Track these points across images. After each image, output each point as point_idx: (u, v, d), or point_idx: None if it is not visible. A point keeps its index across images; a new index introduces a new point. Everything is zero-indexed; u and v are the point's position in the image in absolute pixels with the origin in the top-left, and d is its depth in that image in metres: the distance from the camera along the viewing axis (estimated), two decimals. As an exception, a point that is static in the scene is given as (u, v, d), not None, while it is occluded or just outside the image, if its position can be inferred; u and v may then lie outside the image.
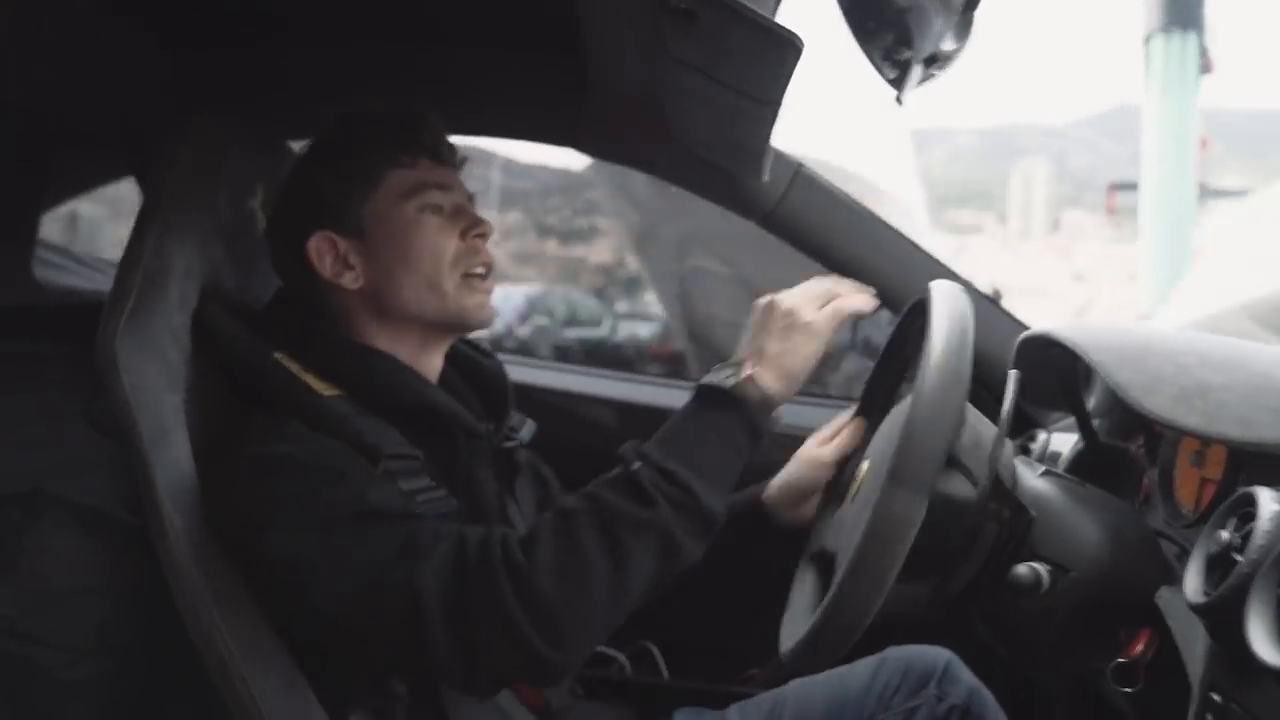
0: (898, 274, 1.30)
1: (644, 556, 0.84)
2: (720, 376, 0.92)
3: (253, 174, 1.12)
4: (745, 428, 0.91)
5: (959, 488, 0.85)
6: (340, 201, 1.04)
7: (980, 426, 0.88)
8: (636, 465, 0.87)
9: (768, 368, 0.92)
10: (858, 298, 0.96)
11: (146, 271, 0.97)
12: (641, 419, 1.66)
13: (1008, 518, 0.88)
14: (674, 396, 1.76)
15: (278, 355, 1.00)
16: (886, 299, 1.33)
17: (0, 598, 0.93)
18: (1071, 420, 1.17)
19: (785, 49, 0.77)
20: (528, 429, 1.18)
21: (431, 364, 1.08)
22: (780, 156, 1.25)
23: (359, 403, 0.99)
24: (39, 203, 1.51)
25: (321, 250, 1.03)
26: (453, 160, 1.08)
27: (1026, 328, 1.20)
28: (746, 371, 0.92)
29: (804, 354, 0.93)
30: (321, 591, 0.86)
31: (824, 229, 1.30)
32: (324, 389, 0.98)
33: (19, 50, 1.10)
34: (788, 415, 1.65)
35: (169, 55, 1.18)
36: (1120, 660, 0.83)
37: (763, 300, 0.96)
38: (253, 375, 0.99)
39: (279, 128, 1.18)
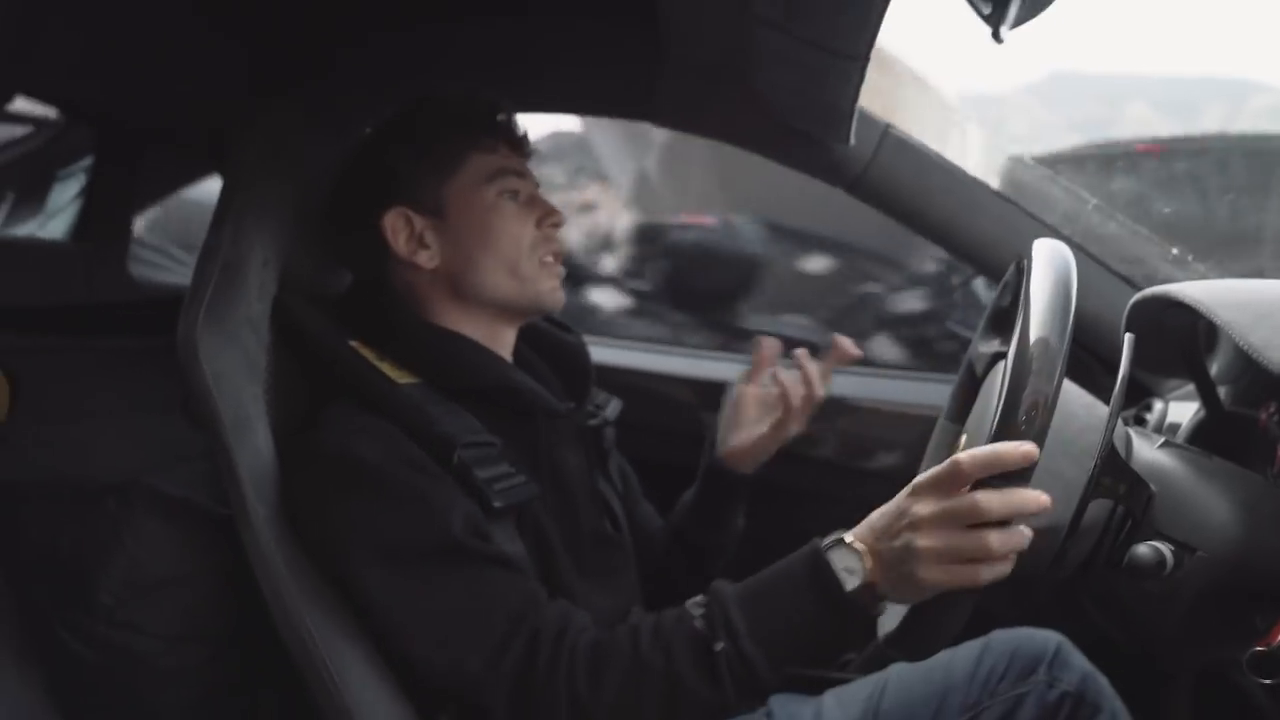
0: (996, 236, 1.24)
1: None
2: (841, 564, 0.83)
3: (325, 161, 1.13)
4: (847, 633, 0.85)
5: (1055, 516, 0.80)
6: (420, 180, 1.04)
7: (1086, 397, 0.83)
8: (719, 646, 0.85)
9: (888, 582, 0.81)
10: (999, 569, 0.77)
11: (224, 262, 0.98)
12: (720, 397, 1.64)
13: (1124, 493, 0.82)
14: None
15: (354, 343, 1.01)
16: (986, 263, 1.27)
17: (100, 587, 0.96)
18: (1189, 388, 1.09)
19: None
20: (614, 407, 1.17)
21: (503, 345, 1.08)
22: (866, 118, 1.20)
23: (435, 389, 0.99)
24: (131, 205, 1.56)
25: (397, 226, 1.03)
26: (527, 149, 1.10)
27: (1139, 289, 1.13)
28: (874, 579, 0.82)
29: (926, 586, 0.78)
30: (396, 637, 0.91)
31: (916, 192, 1.24)
32: (399, 377, 0.99)
33: (108, 60, 1.13)
34: (875, 390, 1.61)
35: (245, 49, 1.19)
36: (1258, 649, 0.76)
37: (907, 495, 0.81)
38: (329, 364, 1.01)
39: (349, 113, 1.19)
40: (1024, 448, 0.74)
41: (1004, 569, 0.76)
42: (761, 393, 1.16)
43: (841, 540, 0.84)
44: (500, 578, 0.91)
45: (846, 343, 1.12)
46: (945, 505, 0.77)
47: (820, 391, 1.12)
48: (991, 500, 0.75)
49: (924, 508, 0.78)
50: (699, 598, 0.90)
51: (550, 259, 1.07)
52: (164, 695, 0.99)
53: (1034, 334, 0.75)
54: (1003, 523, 0.75)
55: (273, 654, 0.93)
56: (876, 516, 0.83)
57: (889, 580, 0.81)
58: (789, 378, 1.13)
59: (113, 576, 0.96)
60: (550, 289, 1.07)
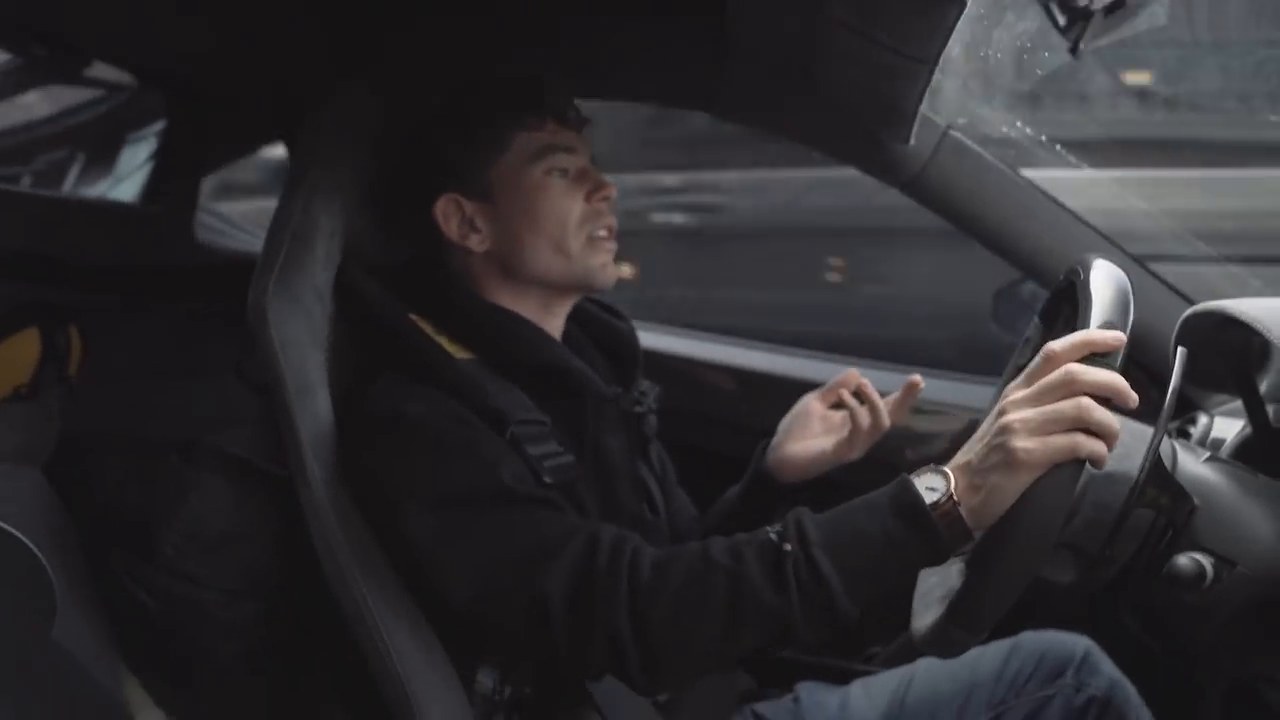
0: (1051, 243, 1.24)
1: (755, 632, 0.82)
2: (924, 484, 0.79)
3: (392, 139, 1.15)
4: (924, 551, 0.79)
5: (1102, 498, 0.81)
6: (467, 165, 1.05)
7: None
8: (788, 546, 0.81)
9: (973, 495, 0.77)
10: (1098, 445, 0.74)
11: (295, 232, 1.00)
12: (763, 386, 1.65)
13: (1166, 504, 0.83)
14: (797, 365, 1.73)
15: (413, 316, 1.03)
16: (1038, 270, 1.28)
17: (163, 539, 0.99)
18: (1236, 403, 1.09)
19: (948, 3, 0.73)
20: (656, 394, 1.18)
21: (555, 325, 1.09)
22: (926, 120, 1.20)
23: (489, 365, 1.01)
24: (199, 170, 1.60)
25: (448, 213, 1.05)
26: (577, 122, 1.08)
27: (1192, 302, 1.13)
28: (953, 492, 0.78)
29: (1012, 490, 0.75)
30: (450, 582, 0.90)
31: (972, 195, 1.24)
32: (456, 351, 1.00)
33: (183, 27, 1.16)
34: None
35: (316, 24, 1.22)
36: (1294, 665, 0.77)
37: (1006, 403, 0.77)
38: (389, 336, 1.02)
39: (419, 92, 1.21)
40: (1114, 332, 0.75)
41: (1101, 447, 0.73)
42: (829, 411, 1.13)
43: (929, 466, 0.81)
44: (552, 515, 0.91)
45: (918, 380, 1.09)
46: (1038, 384, 0.75)
47: (886, 424, 1.09)
48: (1086, 370, 0.74)
49: (1015, 396, 0.76)
50: (776, 525, 0.85)
51: (602, 233, 1.06)
52: (220, 646, 1.02)
53: (1097, 317, 0.77)
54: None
55: (324, 612, 0.97)
56: (968, 441, 0.81)
57: (977, 493, 0.76)
58: (859, 406, 1.10)
59: (175, 530, 1.00)
60: (600, 265, 1.06)
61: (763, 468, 1.14)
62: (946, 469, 0.79)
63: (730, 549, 0.83)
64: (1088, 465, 0.74)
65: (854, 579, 0.80)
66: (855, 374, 1.12)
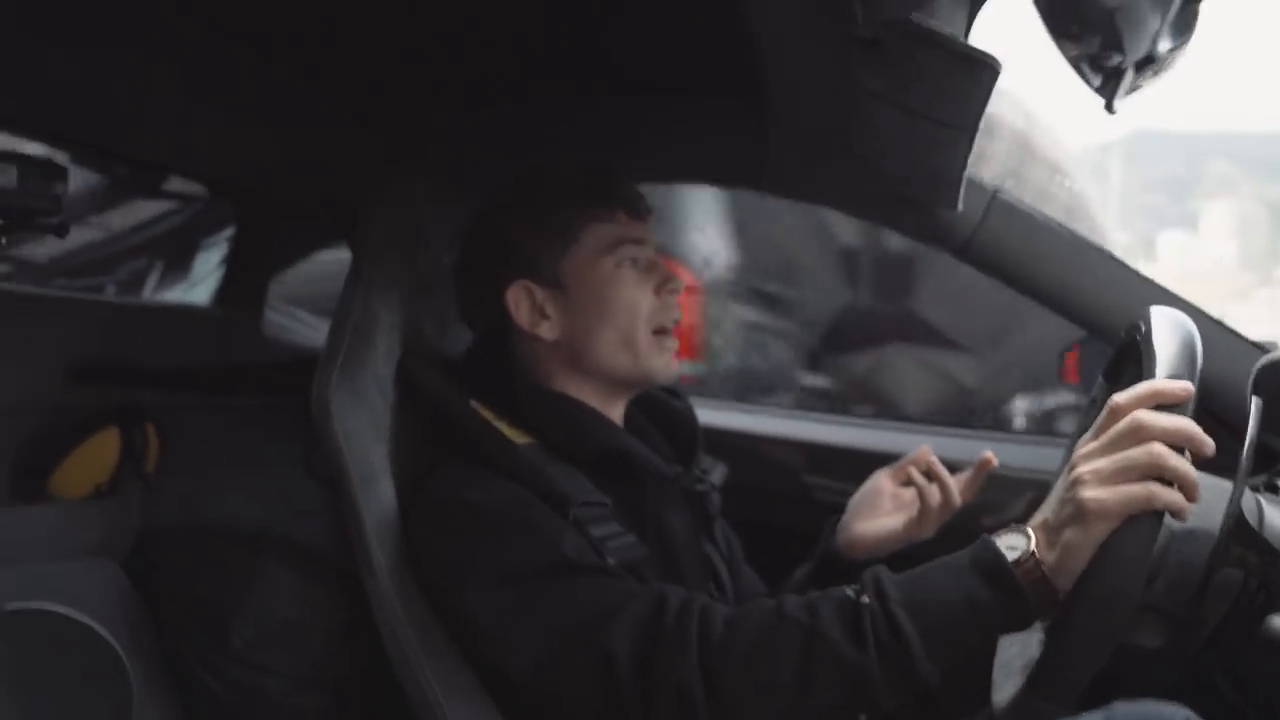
0: (1110, 300, 1.21)
1: (832, 690, 0.79)
2: (1005, 543, 0.78)
3: (446, 229, 1.19)
4: (1008, 612, 0.77)
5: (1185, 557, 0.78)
6: (539, 253, 1.07)
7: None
8: (865, 600, 0.79)
9: (1053, 554, 0.75)
10: (1175, 495, 0.72)
11: (356, 327, 1.04)
12: (829, 459, 1.62)
13: (1255, 563, 0.79)
14: (863, 436, 1.71)
15: (473, 403, 1.04)
16: (1100, 327, 1.25)
17: (233, 629, 1.01)
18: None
19: (980, 71, 0.74)
20: (719, 472, 1.18)
21: (617, 410, 1.10)
22: (974, 183, 1.20)
23: (549, 450, 1.02)
24: (267, 272, 1.67)
25: (519, 300, 1.07)
26: (646, 213, 1.10)
27: (1265, 351, 1.09)
28: (1034, 549, 0.76)
29: (1088, 544, 0.73)
30: (514, 653, 0.89)
31: (1025, 256, 1.23)
32: (516, 436, 1.02)
33: (247, 139, 1.23)
34: (975, 452, 1.58)
35: (368, 126, 1.28)
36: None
37: (1077, 457, 0.76)
38: (450, 423, 1.04)
39: (469, 182, 1.25)
40: (1182, 382, 0.73)
41: (1178, 496, 0.71)
42: (900, 489, 1.13)
43: (1010, 525, 0.80)
44: (617, 582, 0.89)
45: (991, 457, 1.09)
46: (1107, 434, 0.74)
47: (958, 503, 1.08)
48: (1156, 416, 0.72)
49: (1085, 449, 0.75)
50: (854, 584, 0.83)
51: (669, 326, 1.07)
52: None
53: (1162, 371, 0.75)
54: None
55: (391, 702, 0.97)
56: (1045, 501, 0.80)
57: (1054, 550, 0.75)
58: (929, 484, 1.09)
59: (245, 620, 1.02)
60: (663, 364, 1.07)
61: (832, 547, 1.13)
62: (1027, 528, 0.78)
63: (806, 604, 0.81)
64: (1168, 520, 0.72)
65: (935, 639, 0.77)
66: (927, 451, 1.11)
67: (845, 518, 1.13)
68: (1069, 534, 0.74)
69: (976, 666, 0.85)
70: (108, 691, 0.97)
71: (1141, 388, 0.75)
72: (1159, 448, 0.71)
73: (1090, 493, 0.72)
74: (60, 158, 1.06)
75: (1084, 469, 0.74)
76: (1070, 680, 0.72)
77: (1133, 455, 0.72)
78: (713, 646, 0.81)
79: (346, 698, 1.05)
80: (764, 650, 0.80)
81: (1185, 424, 0.72)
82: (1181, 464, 0.71)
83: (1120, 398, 0.75)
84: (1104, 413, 0.76)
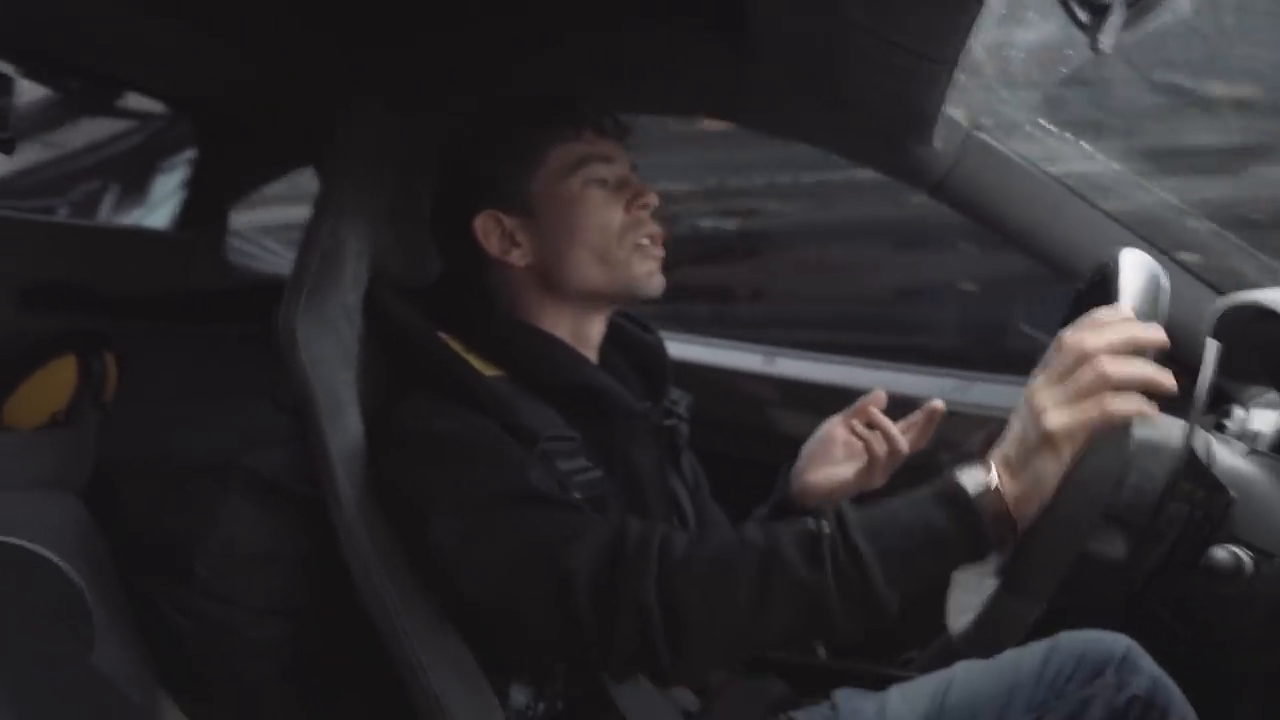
0: (1081, 242, 1.22)
1: (787, 612, 0.79)
2: (966, 476, 0.79)
3: (418, 157, 1.16)
4: (967, 542, 0.78)
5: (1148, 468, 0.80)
6: (505, 179, 1.05)
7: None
8: (825, 526, 0.80)
9: (1014, 485, 0.77)
10: (1132, 402, 0.73)
11: (323, 253, 1.02)
12: (799, 393, 1.64)
13: (1202, 498, 0.82)
14: (833, 371, 1.72)
15: (442, 335, 1.04)
16: (1070, 270, 1.27)
17: (196, 560, 1.01)
18: (1272, 395, 1.08)
19: (966, 2, 0.73)
20: (687, 404, 1.18)
21: (592, 339, 1.10)
22: (950, 122, 1.20)
23: (519, 382, 1.01)
24: (229, 196, 1.63)
25: (488, 229, 1.06)
26: (614, 131, 1.09)
27: (1224, 294, 1.12)
28: (994, 482, 0.77)
29: (1046, 474, 0.75)
30: (475, 577, 0.90)
31: (998, 196, 1.23)
32: (485, 369, 1.01)
33: (211, 56, 1.19)
34: (948, 391, 1.60)
35: (341, 50, 1.24)
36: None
37: (1032, 391, 0.78)
38: (418, 354, 1.03)
39: (443, 109, 1.22)
40: (1123, 310, 0.76)
41: (1135, 401, 0.73)
42: (851, 437, 1.12)
43: (973, 461, 0.80)
44: (581, 514, 0.90)
45: (939, 405, 1.09)
46: (1056, 365, 0.76)
47: (904, 449, 1.09)
48: (1095, 337, 0.74)
49: (1038, 383, 0.77)
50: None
51: (645, 241, 1.06)
52: (253, 666, 1.03)
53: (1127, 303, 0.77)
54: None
55: (356, 631, 0.97)
56: (1001, 438, 0.80)
57: (1019, 482, 0.76)
58: (873, 435, 1.10)
59: (208, 551, 1.01)
60: (646, 273, 1.06)
61: (787, 493, 1.14)
62: (988, 461, 0.79)
63: (765, 529, 0.82)
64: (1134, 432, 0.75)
65: (894, 565, 0.78)
66: (876, 399, 1.11)
67: (799, 464, 1.14)
68: (1036, 463, 0.75)
69: (932, 597, 0.88)
70: (67, 625, 0.96)
71: (1084, 319, 0.76)
72: (1104, 362, 0.73)
73: (1052, 420, 0.74)
74: (4, 68, 1.01)
75: (1041, 399, 0.75)
76: (1044, 577, 0.74)
77: (1082, 375, 0.74)
78: (672, 567, 0.81)
79: (312, 629, 1.05)
80: (722, 571, 0.81)
81: (1127, 331, 0.74)
82: (1129, 369, 0.73)
83: (1065, 332, 0.76)
84: (1051, 348, 0.77)
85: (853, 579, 0.77)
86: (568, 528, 0.86)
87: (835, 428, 1.13)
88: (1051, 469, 0.75)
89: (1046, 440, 0.74)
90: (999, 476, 0.77)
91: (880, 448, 1.08)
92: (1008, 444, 0.78)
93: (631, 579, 0.81)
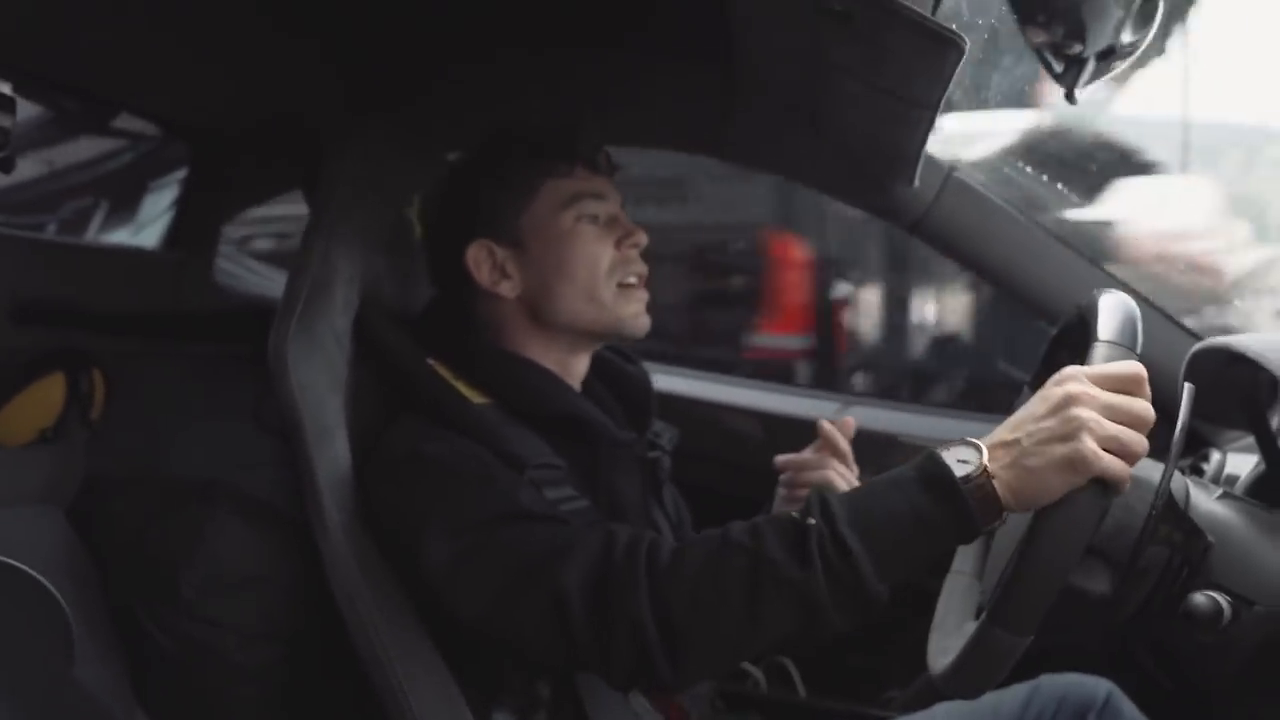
0: (1057, 284, 1.24)
1: (781, 612, 0.78)
2: (955, 456, 0.77)
3: (410, 183, 1.17)
4: (955, 526, 0.76)
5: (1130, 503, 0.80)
6: (498, 211, 1.06)
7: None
8: (811, 521, 0.78)
9: (1010, 473, 0.75)
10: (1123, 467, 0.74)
11: (314, 278, 1.02)
12: (788, 431, 1.64)
13: (1180, 542, 0.82)
14: (819, 407, 1.73)
15: (431, 361, 1.04)
16: (1045, 309, 1.28)
17: (182, 580, 0.99)
18: (1249, 439, 1.09)
19: (947, 49, 0.75)
20: (671, 436, 1.18)
21: (577, 371, 1.10)
22: (931, 161, 1.22)
23: (506, 410, 1.02)
24: (219, 217, 1.63)
25: (479, 259, 1.06)
26: (607, 168, 1.10)
27: (1199, 339, 1.13)
28: (987, 466, 0.75)
29: (1052, 483, 0.73)
30: (472, 594, 0.89)
31: (976, 236, 1.25)
32: (473, 396, 1.02)
33: (205, 79, 1.19)
34: (922, 429, 1.61)
35: (334, 74, 1.25)
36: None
37: (1060, 383, 0.76)
38: (407, 380, 1.03)
39: (435, 137, 1.23)
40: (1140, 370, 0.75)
41: (1127, 472, 0.73)
42: (817, 476, 1.10)
43: (960, 439, 0.78)
44: (569, 530, 0.89)
45: (849, 421, 1.10)
46: (1118, 399, 0.74)
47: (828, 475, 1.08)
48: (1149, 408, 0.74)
49: (1082, 387, 0.74)
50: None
51: (633, 280, 1.07)
52: (236, 689, 1.02)
53: (1108, 335, 0.78)
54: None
55: (341, 656, 0.97)
56: (1009, 421, 0.78)
57: (1018, 473, 0.74)
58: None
59: (195, 571, 1.00)
60: (632, 314, 1.07)
61: None
62: (979, 442, 0.77)
63: (750, 528, 0.81)
64: None
65: (883, 555, 0.76)
66: (848, 423, 1.11)
67: (775, 502, 1.14)
68: (1048, 470, 0.73)
69: (913, 638, 0.88)
70: (49, 643, 0.95)
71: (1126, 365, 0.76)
72: (1143, 439, 0.74)
73: (1091, 444, 0.72)
74: (3, 88, 1.02)
75: (1088, 416, 0.73)
76: (1030, 610, 0.73)
77: (1132, 437, 0.73)
78: (661, 577, 0.81)
79: (298, 653, 1.04)
80: (711, 576, 0.80)
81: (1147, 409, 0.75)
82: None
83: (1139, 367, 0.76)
84: (1119, 366, 0.76)
85: (842, 574, 0.76)
86: (558, 544, 0.86)
87: (807, 460, 1.13)
88: (1057, 485, 0.73)
89: (1074, 459, 0.72)
90: (992, 458, 0.75)
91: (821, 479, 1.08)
92: (1022, 430, 0.76)
93: (622, 594, 0.81)
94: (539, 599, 0.84)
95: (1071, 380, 0.75)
